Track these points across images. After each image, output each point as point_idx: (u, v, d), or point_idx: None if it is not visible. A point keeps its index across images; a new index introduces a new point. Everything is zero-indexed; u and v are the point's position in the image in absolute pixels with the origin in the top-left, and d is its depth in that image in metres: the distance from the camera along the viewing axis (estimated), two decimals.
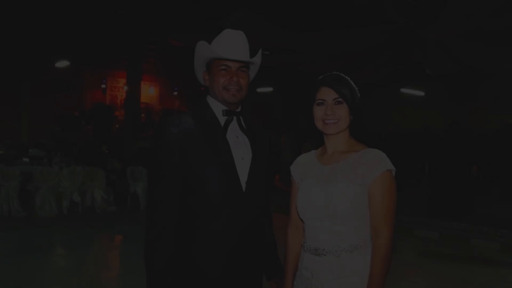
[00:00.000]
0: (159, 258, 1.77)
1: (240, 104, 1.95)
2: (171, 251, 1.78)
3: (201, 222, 1.80)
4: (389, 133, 14.17)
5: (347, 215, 1.72)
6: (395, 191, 1.74)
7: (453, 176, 7.98)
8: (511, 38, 9.31)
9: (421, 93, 17.74)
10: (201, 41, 1.88)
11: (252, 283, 1.93)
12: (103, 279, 5.10)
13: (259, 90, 17.79)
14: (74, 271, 5.31)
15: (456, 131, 8.40)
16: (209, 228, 1.80)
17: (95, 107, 15.59)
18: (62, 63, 14.68)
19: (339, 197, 1.72)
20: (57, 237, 7.14)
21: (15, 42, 12.20)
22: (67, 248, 6.54)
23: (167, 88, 19.55)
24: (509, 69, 11.94)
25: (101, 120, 14.97)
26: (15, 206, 8.31)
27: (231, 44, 1.87)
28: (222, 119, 1.90)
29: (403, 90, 17.63)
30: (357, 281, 1.72)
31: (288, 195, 2.00)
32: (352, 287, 1.72)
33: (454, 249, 6.66)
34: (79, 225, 7.86)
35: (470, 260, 6.01)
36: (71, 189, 8.80)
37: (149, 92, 18.73)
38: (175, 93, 19.65)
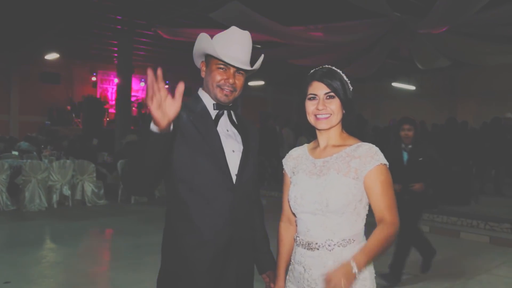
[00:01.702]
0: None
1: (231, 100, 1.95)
2: None
3: (191, 212, 1.80)
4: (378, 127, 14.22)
5: (339, 209, 1.71)
6: (391, 183, 1.73)
7: (453, 168, 8.74)
8: (498, 33, 9.39)
9: (412, 87, 17.82)
10: (204, 33, 1.86)
11: (243, 277, 1.92)
12: (93, 273, 5.07)
13: (250, 83, 17.78)
14: (64, 266, 5.28)
15: (453, 126, 9.35)
16: (198, 219, 1.79)
17: (86, 100, 15.46)
18: (52, 56, 14.52)
19: (332, 190, 1.71)
20: (47, 231, 7.09)
21: (4, 33, 12.05)
22: (57, 242, 6.50)
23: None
24: (496, 63, 12.06)
25: (91, 113, 14.85)
26: (4, 200, 8.24)
27: (235, 45, 1.86)
28: (213, 113, 1.90)
29: (395, 84, 17.70)
30: None
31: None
32: None
33: (444, 242, 6.70)
34: (69, 219, 7.82)
35: (460, 253, 6.06)
36: (61, 182, 8.74)
37: (140, 85, 18.63)
38: (167, 86, 19.57)
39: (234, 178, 1.86)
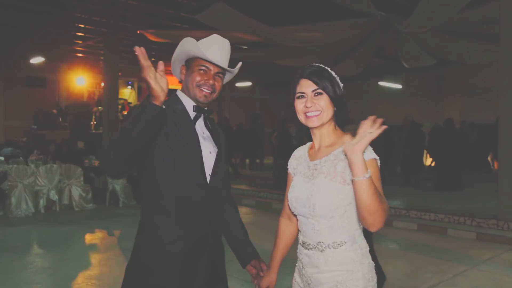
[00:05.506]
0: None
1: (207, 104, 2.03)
2: None
3: (169, 207, 1.86)
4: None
5: (327, 213, 1.71)
6: (379, 176, 1.67)
7: (452, 161, 10.45)
8: (480, 31, 9.50)
9: (399, 86, 17.95)
10: (189, 37, 1.94)
11: (215, 269, 1.97)
12: (81, 277, 5.03)
13: (238, 84, 17.75)
14: (52, 271, 5.23)
15: (450, 126, 10.58)
16: (177, 214, 1.86)
17: (72, 104, 15.33)
18: (37, 59, 14.38)
19: (318, 195, 1.71)
20: (34, 237, 7.02)
21: None
22: (44, 247, 6.43)
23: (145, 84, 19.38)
24: (479, 61, 12.22)
25: (78, 116, 14.72)
26: None
27: (217, 49, 1.97)
28: (192, 114, 1.98)
29: (381, 83, 17.82)
30: (342, 277, 1.72)
31: None
32: (336, 282, 1.72)
33: (431, 239, 6.77)
34: (57, 223, 7.74)
35: (447, 250, 6.11)
36: (48, 187, 8.66)
37: (127, 87, 18.53)
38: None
39: (208, 177, 1.94)
